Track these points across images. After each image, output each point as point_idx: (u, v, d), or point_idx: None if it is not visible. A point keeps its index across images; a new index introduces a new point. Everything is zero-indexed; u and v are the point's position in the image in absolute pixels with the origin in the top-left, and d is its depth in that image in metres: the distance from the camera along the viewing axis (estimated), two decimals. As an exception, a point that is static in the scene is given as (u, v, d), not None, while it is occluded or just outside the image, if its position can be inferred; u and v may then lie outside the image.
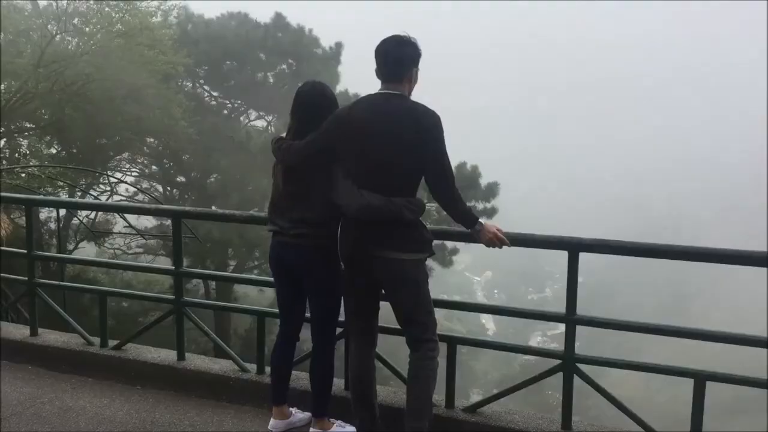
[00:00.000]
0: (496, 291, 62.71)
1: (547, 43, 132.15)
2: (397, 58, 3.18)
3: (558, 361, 3.63)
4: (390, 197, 3.09)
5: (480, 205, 18.67)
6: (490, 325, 52.16)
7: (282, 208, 3.49)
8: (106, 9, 15.73)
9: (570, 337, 3.60)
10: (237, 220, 4.49)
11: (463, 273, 58.29)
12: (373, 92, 3.25)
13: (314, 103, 3.44)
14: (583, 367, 3.59)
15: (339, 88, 19.23)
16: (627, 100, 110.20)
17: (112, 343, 4.77)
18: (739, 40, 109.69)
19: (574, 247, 3.50)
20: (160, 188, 21.32)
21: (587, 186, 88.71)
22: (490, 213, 18.70)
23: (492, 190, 18.87)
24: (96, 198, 16.43)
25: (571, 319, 3.56)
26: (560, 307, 3.65)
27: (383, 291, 3.37)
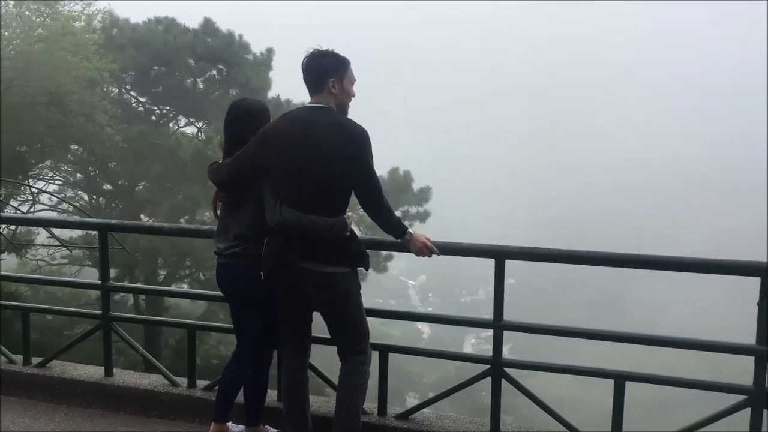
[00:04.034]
0: (430, 294, 63.15)
1: (532, 41, 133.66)
2: (314, 70, 3.22)
3: (486, 366, 3.72)
4: (311, 213, 3.11)
5: (413, 209, 18.85)
6: (425, 329, 52.56)
7: (220, 229, 3.52)
8: (27, 13, 15.19)
9: (497, 343, 3.70)
10: (165, 232, 4.42)
11: (398, 277, 58.55)
12: (299, 106, 3.28)
13: (236, 121, 3.46)
14: (511, 370, 3.70)
15: (270, 95, 19.10)
16: (618, 99, 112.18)
17: (35, 360, 4.64)
18: (738, 40, 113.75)
19: (500, 255, 3.61)
20: (86, 197, 20.67)
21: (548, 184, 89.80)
22: (423, 217, 18.91)
23: (424, 194, 19.07)
24: (17, 209, 15.80)
25: (498, 324, 3.66)
26: (493, 309, 3.75)
27: (314, 302, 3.39)
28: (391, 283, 51.31)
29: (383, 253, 18.41)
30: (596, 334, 3.62)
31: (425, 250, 3.41)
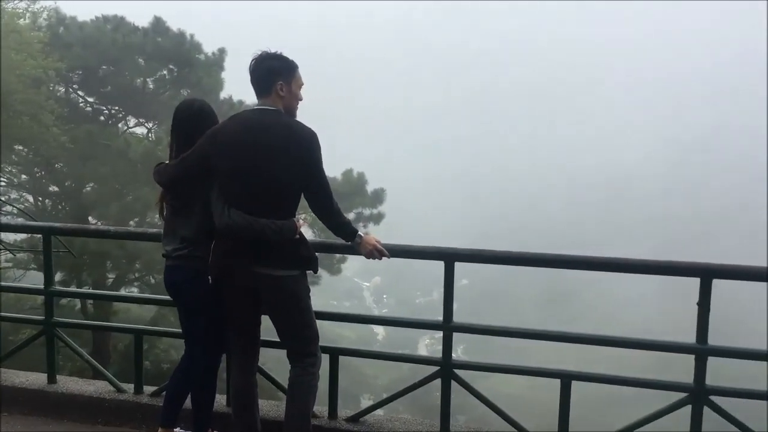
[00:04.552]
0: (385, 296, 63.28)
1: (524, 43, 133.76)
2: (261, 72, 3.21)
3: (437, 368, 3.75)
4: (259, 216, 3.09)
5: (366, 211, 18.83)
6: (379, 330, 52.61)
7: (166, 231, 3.47)
8: (-32, 10, 14.74)
9: (447, 345, 3.73)
10: (111, 236, 4.34)
11: (352, 279, 58.49)
12: (248, 108, 3.26)
13: (188, 121, 3.41)
14: (461, 371, 3.73)
15: (223, 95, 18.87)
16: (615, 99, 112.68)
17: (-25, 368, 4.49)
18: (738, 40, 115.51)
19: (449, 258, 3.63)
20: (31, 198, 20.10)
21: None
22: (377, 219, 18.91)
23: (378, 196, 19.07)
24: (-43, 211, 15.27)
25: (448, 326, 3.69)
26: (443, 311, 3.77)
27: (263, 305, 3.37)
28: (346, 284, 51.23)
29: (337, 254, 18.39)
30: (544, 335, 3.68)
31: (375, 252, 3.43)
